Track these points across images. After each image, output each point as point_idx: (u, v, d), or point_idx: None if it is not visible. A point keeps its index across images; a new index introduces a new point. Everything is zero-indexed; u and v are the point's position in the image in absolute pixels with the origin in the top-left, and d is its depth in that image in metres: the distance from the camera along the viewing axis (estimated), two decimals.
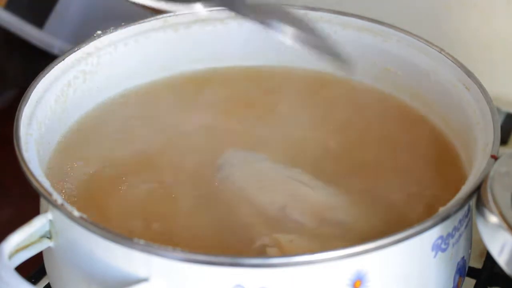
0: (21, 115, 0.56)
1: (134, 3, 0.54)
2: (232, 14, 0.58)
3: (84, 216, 0.49)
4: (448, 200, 0.51)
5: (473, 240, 0.57)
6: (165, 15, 0.68)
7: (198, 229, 0.55)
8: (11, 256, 0.49)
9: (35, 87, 0.59)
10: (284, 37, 0.52)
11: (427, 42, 0.64)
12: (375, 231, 0.55)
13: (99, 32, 0.65)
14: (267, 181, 0.58)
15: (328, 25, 0.68)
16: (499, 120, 0.57)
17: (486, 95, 0.58)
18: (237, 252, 0.53)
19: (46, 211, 0.52)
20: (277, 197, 0.56)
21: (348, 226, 0.55)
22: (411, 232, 0.48)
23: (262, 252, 0.52)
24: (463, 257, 0.55)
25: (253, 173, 0.59)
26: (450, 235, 0.52)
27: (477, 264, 0.64)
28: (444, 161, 0.61)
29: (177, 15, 0.68)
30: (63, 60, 0.62)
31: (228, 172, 0.59)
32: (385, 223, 0.56)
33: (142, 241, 0.47)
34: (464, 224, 0.54)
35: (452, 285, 0.54)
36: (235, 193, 0.57)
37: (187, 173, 0.59)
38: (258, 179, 0.58)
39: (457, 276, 0.54)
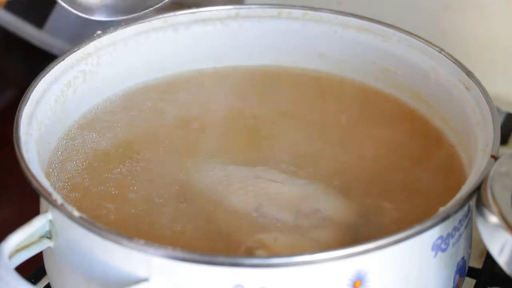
0: (21, 115, 0.56)
1: None
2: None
3: (84, 216, 0.49)
4: (448, 200, 0.51)
5: (473, 240, 0.57)
6: (165, 15, 0.68)
7: (177, 239, 0.54)
8: (11, 256, 0.49)
9: (35, 87, 0.59)
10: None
11: (427, 42, 0.64)
12: (353, 218, 0.55)
13: (99, 32, 0.65)
14: (237, 184, 0.58)
15: (328, 25, 0.68)
16: (499, 120, 0.57)
17: (486, 95, 0.58)
18: None
19: (46, 211, 0.52)
20: (250, 198, 0.56)
21: (325, 214, 0.55)
22: (411, 232, 0.48)
23: (250, 255, 0.52)
24: (463, 257, 0.55)
25: (221, 178, 0.58)
26: (450, 235, 0.52)
27: (477, 264, 0.64)
28: (444, 161, 0.61)
29: (177, 15, 0.68)
30: (63, 60, 0.62)
31: (197, 180, 0.59)
32: (380, 219, 0.56)
33: (142, 241, 0.47)
34: (464, 224, 0.54)
35: (452, 285, 0.54)
36: (208, 200, 0.57)
37: (166, 181, 0.59)
38: (228, 183, 0.58)
39: (457, 276, 0.54)
